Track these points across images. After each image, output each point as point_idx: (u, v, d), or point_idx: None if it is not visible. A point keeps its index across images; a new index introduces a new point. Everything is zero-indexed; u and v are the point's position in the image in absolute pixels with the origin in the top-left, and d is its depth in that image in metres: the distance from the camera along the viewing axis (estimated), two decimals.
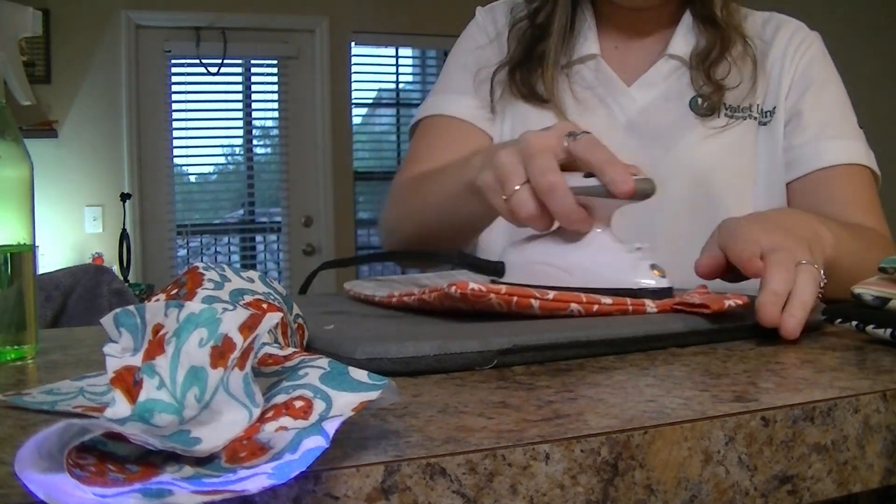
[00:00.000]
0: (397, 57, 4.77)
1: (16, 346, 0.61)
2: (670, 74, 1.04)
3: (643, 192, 0.62)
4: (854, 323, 0.60)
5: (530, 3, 1.08)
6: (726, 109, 1.02)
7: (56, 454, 0.29)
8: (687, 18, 1.05)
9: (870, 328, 0.59)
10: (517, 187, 0.64)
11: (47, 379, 0.52)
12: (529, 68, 1.05)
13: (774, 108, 1.03)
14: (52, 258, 3.77)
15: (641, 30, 1.07)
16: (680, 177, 1.00)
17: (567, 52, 1.06)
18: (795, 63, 1.03)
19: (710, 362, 0.54)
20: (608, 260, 0.62)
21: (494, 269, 0.68)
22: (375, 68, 4.75)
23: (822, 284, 0.63)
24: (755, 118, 1.03)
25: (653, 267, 0.62)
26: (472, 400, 0.44)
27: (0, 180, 0.61)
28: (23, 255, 0.62)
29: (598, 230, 0.64)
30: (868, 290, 0.60)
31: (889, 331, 0.57)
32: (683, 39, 1.04)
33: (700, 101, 1.02)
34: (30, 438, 0.28)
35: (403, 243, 1.03)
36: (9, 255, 0.61)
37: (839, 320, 0.61)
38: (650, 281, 0.61)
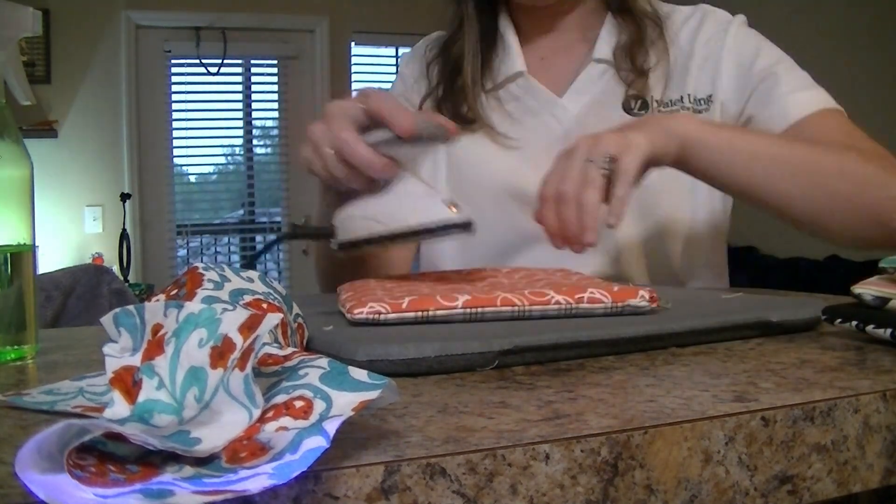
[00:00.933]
0: (397, 57, 4.77)
1: (16, 346, 0.61)
2: (599, 78, 1.04)
3: (428, 131, 0.65)
4: (854, 323, 0.60)
5: (441, 38, 1.10)
6: (658, 105, 1.02)
7: (56, 454, 0.29)
8: (609, 21, 1.05)
9: (870, 328, 0.59)
10: (327, 151, 0.68)
11: (47, 379, 0.52)
12: (455, 101, 1.07)
13: (710, 95, 1.02)
14: (52, 258, 3.78)
15: (565, 38, 1.07)
16: None
17: (491, 75, 1.07)
18: (728, 47, 1.02)
19: (710, 362, 0.54)
20: (408, 203, 0.65)
21: (326, 233, 0.71)
22: (375, 68, 4.75)
23: (604, 162, 0.75)
24: (688, 108, 1.02)
25: (449, 203, 0.65)
26: (472, 400, 0.44)
27: (0, 180, 0.61)
28: (23, 255, 0.62)
29: (405, 177, 0.67)
30: (868, 290, 0.60)
31: (889, 331, 0.57)
32: (607, 41, 1.04)
33: (633, 102, 1.02)
34: (30, 439, 0.28)
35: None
36: (9, 255, 0.61)
37: (839, 320, 0.61)
38: (445, 215, 0.64)
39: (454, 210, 0.64)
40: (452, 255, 1.09)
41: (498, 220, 1.03)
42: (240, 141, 4.53)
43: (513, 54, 1.07)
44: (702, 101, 1.03)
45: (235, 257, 4.55)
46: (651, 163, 0.80)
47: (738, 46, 1.02)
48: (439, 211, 0.64)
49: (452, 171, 1.09)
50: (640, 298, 0.62)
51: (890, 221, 0.87)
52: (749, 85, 1.01)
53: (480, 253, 1.04)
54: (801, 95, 0.98)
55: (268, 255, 4.63)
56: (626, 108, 1.02)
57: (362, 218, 0.67)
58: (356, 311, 0.59)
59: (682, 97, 1.02)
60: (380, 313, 0.58)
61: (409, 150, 0.65)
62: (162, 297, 0.48)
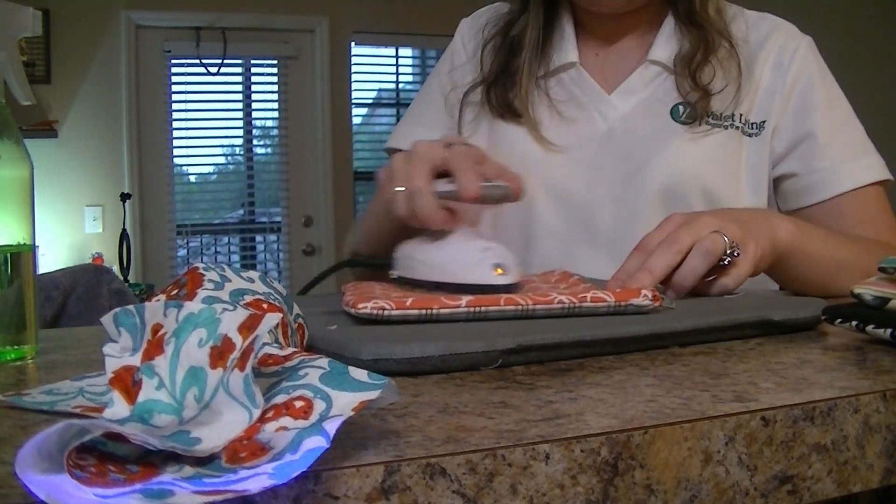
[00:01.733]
0: (397, 57, 4.77)
1: (16, 346, 0.61)
2: (652, 80, 1.02)
3: (490, 197, 0.69)
4: (854, 323, 0.60)
5: (504, 16, 1.08)
6: (708, 116, 0.99)
7: (56, 455, 0.29)
8: (669, 22, 1.02)
9: (870, 328, 0.59)
10: (398, 189, 0.71)
11: (47, 379, 0.52)
12: (505, 85, 1.05)
13: (764, 122, 1.00)
14: (52, 258, 3.77)
15: (621, 36, 1.05)
16: (659, 185, 0.98)
17: (545, 62, 1.05)
18: (792, 78, 1.00)
19: (710, 362, 0.54)
20: (458, 258, 0.69)
21: (384, 264, 0.75)
22: (375, 68, 4.75)
23: (728, 250, 0.72)
24: (738, 128, 1.00)
25: (496, 266, 0.68)
26: (472, 400, 0.44)
27: (0, 180, 0.61)
28: (23, 255, 0.62)
29: (463, 230, 0.71)
30: (868, 290, 0.60)
31: (889, 331, 0.57)
32: (665, 44, 1.02)
33: (682, 108, 1.00)
34: (30, 439, 0.28)
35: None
36: (9, 255, 0.61)
37: (839, 320, 0.61)
38: (489, 278, 0.67)
39: (500, 273, 0.68)
40: None
41: (519, 212, 1.01)
42: (240, 141, 4.53)
43: (568, 45, 1.05)
44: (754, 126, 1.00)
45: (235, 257, 4.55)
46: (752, 275, 0.77)
47: (804, 85, 1.00)
48: (486, 275, 0.67)
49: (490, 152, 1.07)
50: (643, 298, 0.62)
51: None
52: (802, 133, 0.99)
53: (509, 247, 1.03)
54: (850, 166, 0.98)
55: (267, 255, 4.63)
56: (675, 115, 1.00)
57: (420, 262, 0.71)
58: (360, 306, 0.59)
59: (733, 115, 1.00)
60: (384, 309, 0.59)
61: (472, 207, 0.70)
62: (162, 297, 0.48)
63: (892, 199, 1.01)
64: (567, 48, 1.05)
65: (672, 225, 0.75)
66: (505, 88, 1.05)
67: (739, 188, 1.00)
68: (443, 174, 0.71)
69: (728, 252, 0.73)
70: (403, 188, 0.71)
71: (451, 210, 0.70)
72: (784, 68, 1.01)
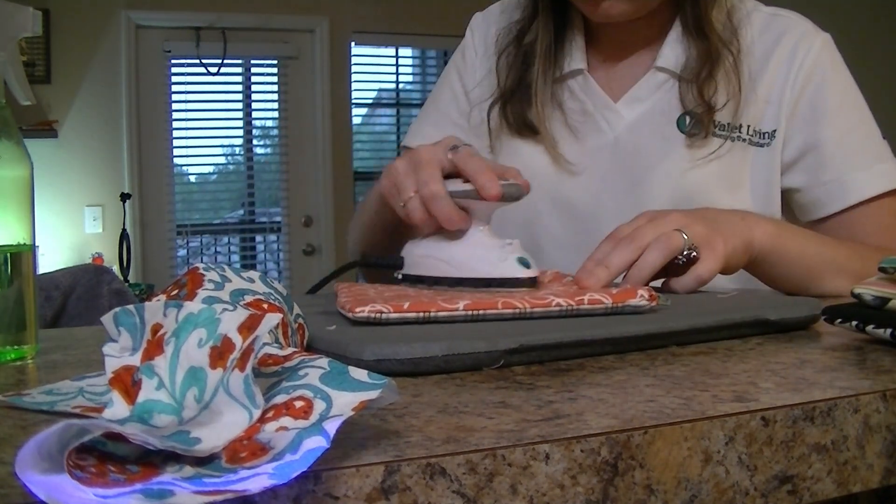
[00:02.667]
0: (397, 57, 4.77)
1: (16, 346, 0.61)
2: (658, 88, 1.01)
3: (510, 195, 0.70)
4: (854, 323, 0.60)
5: (517, 23, 1.06)
6: (714, 127, 0.98)
7: (56, 455, 0.29)
8: (676, 29, 1.01)
9: (870, 328, 0.59)
10: (411, 195, 0.72)
11: (47, 379, 0.52)
12: (521, 99, 1.04)
13: (775, 131, 0.98)
14: (52, 258, 3.77)
15: (630, 43, 1.04)
16: (663, 196, 0.98)
17: (557, 67, 1.05)
18: (802, 82, 0.98)
19: (710, 362, 0.54)
20: (481, 254, 0.70)
21: (394, 265, 0.76)
22: (375, 68, 4.75)
23: (687, 250, 0.75)
24: (745, 139, 0.98)
25: (519, 260, 0.69)
26: (472, 400, 0.44)
27: (0, 180, 0.61)
28: (23, 255, 0.62)
29: (479, 228, 0.72)
30: (868, 290, 0.60)
31: (889, 331, 0.57)
32: (672, 51, 1.00)
33: (688, 119, 0.99)
34: (30, 439, 0.28)
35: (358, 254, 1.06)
36: (9, 255, 0.61)
37: (839, 320, 0.61)
38: (515, 272, 0.68)
39: (521, 266, 0.69)
40: None
41: (524, 222, 1.02)
42: (240, 141, 4.53)
43: (576, 52, 1.04)
44: (765, 136, 0.99)
45: (235, 257, 4.55)
46: (721, 273, 0.79)
47: (814, 90, 0.98)
48: (509, 267, 0.69)
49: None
50: (640, 298, 0.62)
51: None
52: (809, 143, 0.98)
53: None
54: (857, 176, 0.96)
55: (267, 255, 4.63)
56: (681, 125, 0.99)
57: (434, 259, 0.72)
58: (357, 310, 0.59)
59: (740, 126, 0.98)
60: (381, 312, 0.59)
61: (487, 206, 0.71)
62: (163, 297, 0.48)
63: None
64: (576, 55, 1.04)
65: (641, 220, 0.78)
66: (521, 103, 1.04)
67: (745, 200, 0.98)
68: (448, 175, 0.72)
69: (685, 252, 0.75)
70: (414, 194, 0.71)
71: (465, 210, 0.71)
72: (794, 73, 0.98)
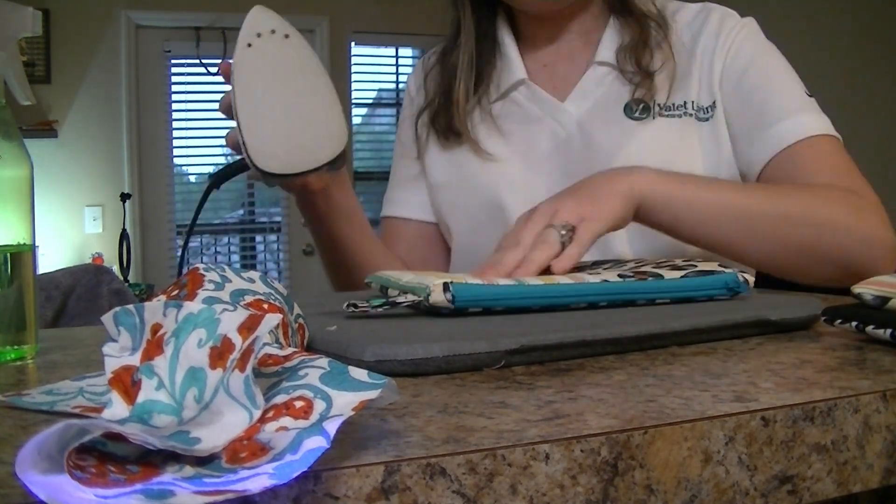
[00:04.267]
0: (397, 57, 4.77)
1: (16, 346, 0.61)
2: (601, 81, 1.03)
3: None
4: (854, 323, 0.60)
5: (443, 48, 1.11)
6: (660, 109, 1.00)
7: (56, 455, 0.29)
8: (612, 24, 1.04)
9: (870, 328, 0.59)
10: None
11: (47, 379, 0.52)
12: (447, 109, 1.07)
13: (714, 102, 1.00)
14: (52, 258, 3.78)
15: (567, 44, 1.07)
16: None
17: (494, 86, 1.08)
18: (725, 51, 1.00)
19: (710, 362, 0.54)
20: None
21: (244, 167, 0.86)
22: (375, 68, 4.75)
23: (560, 241, 0.76)
24: (691, 115, 1.00)
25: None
26: (472, 400, 0.44)
27: (0, 180, 0.61)
28: (23, 255, 0.62)
29: None
30: (868, 289, 0.60)
31: (889, 331, 0.57)
32: (609, 44, 1.03)
33: (634, 105, 1.01)
34: (30, 439, 0.28)
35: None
36: (9, 255, 0.61)
37: (839, 320, 0.61)
38: None
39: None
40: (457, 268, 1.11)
41: (495, 232, 1.03)
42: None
43: (513, 63, 1.07)
44: (707, 110, 1.01)
45: (235, 257, 4.55)
46: (610, 230, 0.81)
47: (735, 52, 1.00)
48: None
49: (440, 189, 1.11)
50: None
51: (850, 265, 0.87)
52: (741, 99, 0.99)
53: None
54: (791, 121, 0.96)
55: (267, 255, 4.63)
56: (628, 113, 1.01)
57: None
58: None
59: (685, 103, 1.01)
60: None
61: None
62: (163, 297, 0.48)
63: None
64: (513, 67, 1.07)
65: (521, 221, 0.81)
66: (449, 117, 1.07)
67: (702, 173, 0.99)
68: None
69: (563, 235, 0.77)
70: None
71: None
72: (721, 45, 1.01)
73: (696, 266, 0.71)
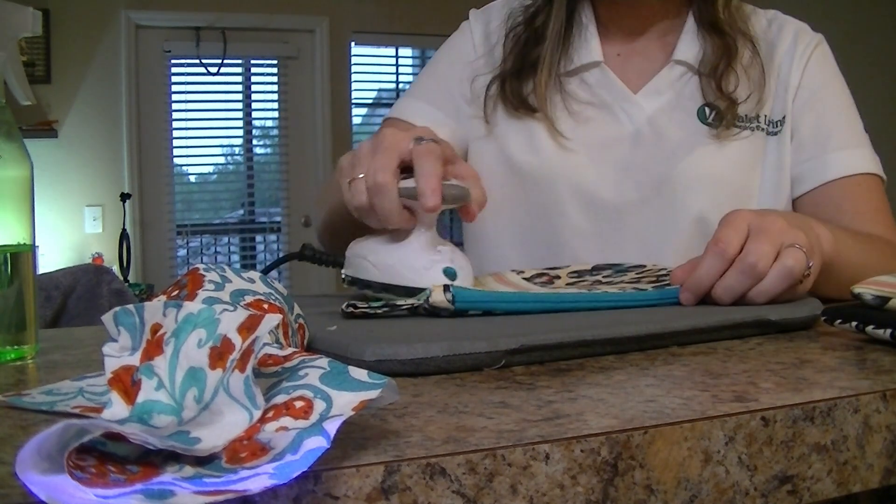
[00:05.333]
0: (397, 57, 4.77)
1: (16, 346, 0.61)
2: (677, 81, 1.01)
3: (451, 197, 0.67)
4: (854, 323, 0.60)
5: (527, 8, 1.06)
6: (735, 119, 0.99)
7: (56, 455, 0.29)
8: (691, 22, 1.02)
9: (870, 328, 0.59)
10: (359, 176, 0.68)
11: (47, 379, 0.52)
12: (521, 77, 1.03)
13: (784, 117, 1.00)
14: (52, 258, 3.77)
15: (644, 35, 1.04)
16: (688, 190, 0.98)
17: (567, 59, 1.04)
18: (802, 67, 1.00)
19: (710, 362, 0.54)
20: (410, 261, 0.69)
21: (335, 262, 0.75)
22: (375, 68, 4.75)
23: (807, 269, 0.67)
24: (763, 129, 1.00)
25: (445, 271, 0.68)
26: (472, 400, 0.44)
27: (0, 180, 0.61)
28: (23, 255, 0.62)
29: (421, 231, 0.70)
30: (868, 289, 0.60)
31: (889, 331, 0.57)
32: (689, 45, 1.01)
33: (708, 110, 0.99)
34: (30, 439, 0.28)
35: (319, 241, 1.06)
36: (9, 255, 0.61)
37: (839, 320, 0.61)
38: (438, 282, 0.66)
39: (447, 278, 0.68)
40: (507, 253, 1.06)
41: (546, 212, 1.02)
42: (240, 141, 4.53)
43: (592, 42, 1.04)
44: (777, 124, 1.01)
45: (235, 257, 4.55)
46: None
47: (811, 71, 1.00)
48: (433, 277, 0.67)
49: (501, 161, 1.05)
50: None
51: None
52: (808, 119, 0.99)
53: (536, 248, 1.03)
54: (847, 154, 0.97)
55: (267, 255, 4.63)
56: (701, 117, 1.00)
57: (371, 263, 0.70)
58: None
59: (758, 116, 1.00)
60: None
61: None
62: (163, 298, 0.48)
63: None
64: (591, 47, 1.03)
65: (741, 225, 0.68)
66: (521, 81, 1.03)
67: (763, 189, 1.00)
68: (408, 168, 0.69)
69: (808, 268, 0.67)
70: (361, 177, 0.68)
71: (410, 210, 0.68)
72: (797, 61, 1.01)
73: None
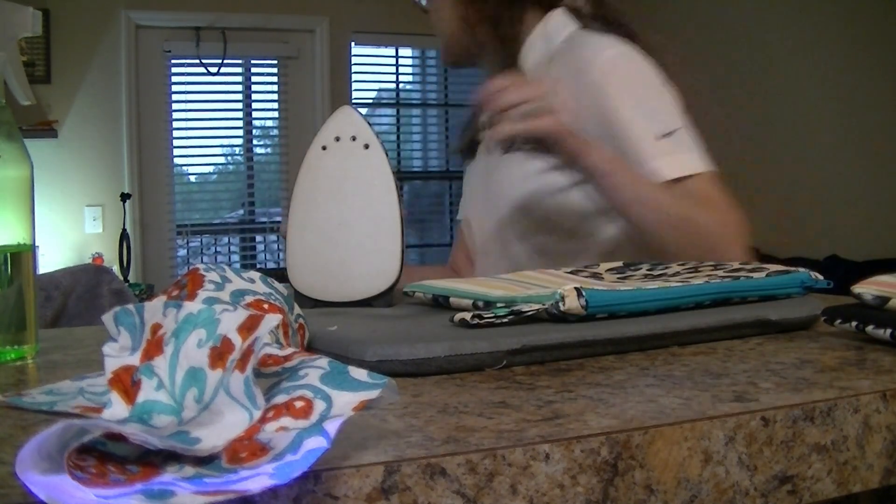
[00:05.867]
0: (397, 57, 4.77)
1: (16, 346, 0.61)
2: None
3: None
4: (854, 323, 0.60)
5: None
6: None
7: (56, 455, 0.29)
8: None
9: (870, 328, 0.59)
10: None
11: (47, 379, 0.52)
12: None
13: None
14: (52, 258, 3.77)
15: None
16: (510, 204, 1.13)
17: None
18: (593, 87, 1.03)
19: (710, 362, 0.54)
20: None
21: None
22: (375, 68, 4.75)
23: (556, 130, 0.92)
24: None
25: None
26: (472, 400, 0.44)
27: (0, 180, 0.61)
28: (23, 255, 0.62)
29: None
30: (868, 290, 0.60)
31: (889, 331, 0.57)
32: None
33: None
34: (30, 439, 0.28)
35: None
36: (9, 255, 0.61)
37: (839, 320, 0.61)
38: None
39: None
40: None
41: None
42: (240, 141, 4.53)
43: None
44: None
45: (235, 257, 4.55)
46: (553, 139, 0.92)
47: (601, 95, 1.03)
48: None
49: None
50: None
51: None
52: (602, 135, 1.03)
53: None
54: (651, 166, 0.99)
55: (267, 256, 4.63)
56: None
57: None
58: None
59: None
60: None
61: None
62: (163, 298, 0.48)
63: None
64: None
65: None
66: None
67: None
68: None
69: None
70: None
71: None
72: (584, 80, 1.04)
73: (766, 268, 0.71)
